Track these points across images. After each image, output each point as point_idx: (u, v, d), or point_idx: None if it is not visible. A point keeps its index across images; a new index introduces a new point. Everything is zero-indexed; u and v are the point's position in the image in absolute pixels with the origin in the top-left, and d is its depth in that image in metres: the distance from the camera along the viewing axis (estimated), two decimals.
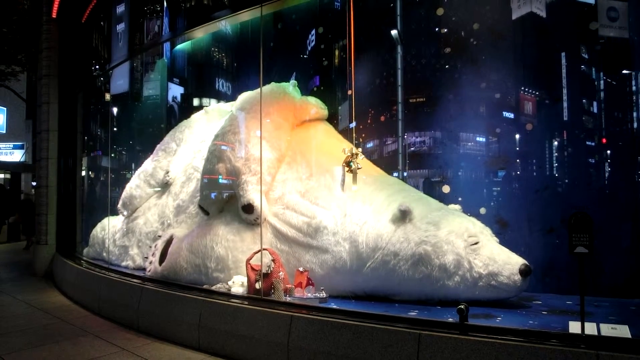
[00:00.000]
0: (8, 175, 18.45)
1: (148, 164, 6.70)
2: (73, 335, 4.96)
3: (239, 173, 4.92)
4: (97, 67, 8.64)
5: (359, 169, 4.54)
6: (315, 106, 5.56)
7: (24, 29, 16.35)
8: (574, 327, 2.93)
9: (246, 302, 4.24)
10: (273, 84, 5.50)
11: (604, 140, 6.20)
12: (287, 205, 4.76)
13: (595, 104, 6.48)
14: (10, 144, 25.07)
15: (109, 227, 7.07)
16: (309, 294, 4.18)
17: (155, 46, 7.94)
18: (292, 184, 4.89)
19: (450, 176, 6.91)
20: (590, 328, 2.86)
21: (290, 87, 5.52)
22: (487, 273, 3.68)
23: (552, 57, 6.33)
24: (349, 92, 5.49)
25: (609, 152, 6.06)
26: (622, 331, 2.82)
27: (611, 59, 5.91)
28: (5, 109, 24.49)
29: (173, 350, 4.43)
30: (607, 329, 2.85)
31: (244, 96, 5.68)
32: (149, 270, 5.52)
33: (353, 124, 5.39)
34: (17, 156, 24.58)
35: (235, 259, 4.75)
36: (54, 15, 8.99)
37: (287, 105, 5.35)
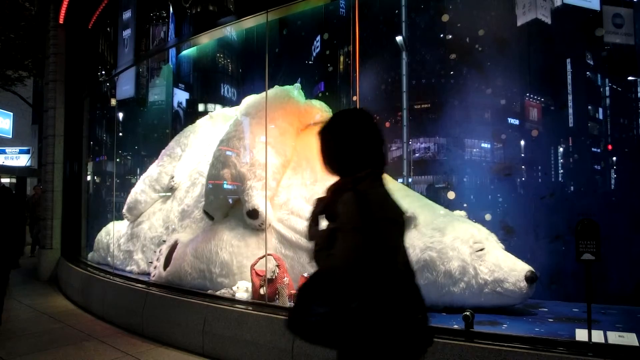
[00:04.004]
0: (14, 180, 18.55)
1: (153, 169, 6.72)
2: (77, 339, 4.96)
3: (244, 178, 4.92)
4: (103, 72, 8.69)
5: None
6: (319, 110, 5.55)
7: (31, 35, 16.46)
8: (581, 334, 2.90)
9: (251, 308, 4.23)
10: (277, 88, 5.50)
11: (610, 147, 6.18)
12: (292, 210, 4.75)
13: (600, 110, 6.46)
14: (17, 149, 25.25)
15: (114, 232, 7.08)
16: None
17: (161, 52, 7.98)
18: (297, 189, 4.89)
19: (456, 182, 6.90)
20: (598, 336, 2.84)
21: (295, 91, 5.52)
22: (493, 280, 3.66)
23: (557, 64, 6.32)
24: (354, 98, 5.49)
25: (614, 158, 6.03)
26: (630, 339, 2.80)
27: (617, 65, 5.89)
28: (11, 114, 24.66)
29: (177, 355, 4.42)
30: (615, 337, 2.83)
31: (249, 100, 5.69)
32: (154, 275, 5.53)
33: None
34: (23, 161, 24.75)
35: (240, 264, 4.75)
36: (61, 20, 9.06)
37: (291, 109, 5.35)
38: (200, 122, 6.86)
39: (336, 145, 1.66)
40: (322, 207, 1.64)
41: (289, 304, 4.17)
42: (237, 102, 6.39)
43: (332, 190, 1.62)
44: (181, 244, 5.42)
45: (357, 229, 1.48)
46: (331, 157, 1.68)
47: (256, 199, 4.76)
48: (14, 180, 18.65)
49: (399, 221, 1.64)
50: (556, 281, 4.65)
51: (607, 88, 6.40)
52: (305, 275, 4.32)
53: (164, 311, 4.88)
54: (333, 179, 1.68)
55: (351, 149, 1.63)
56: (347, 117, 1.70)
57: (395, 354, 1.52)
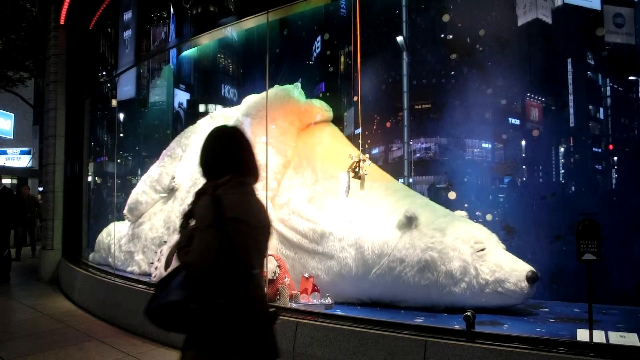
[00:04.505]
0: (15, 181, 18.57)
1: (154, 170, 6.72)
2: (78, 340, 4.96)
3: None
4: (104, 73, 8.69)
5: (365, 174, 4.53)
6: (320, 110, 5.54)
7: (32, 36, 16.46)
8: (582, 334, 2.90)
9: None
10: (277, 87, 5.50)
11: (611, 147, 6.18)
12: (293, 211, 4.75)
13: (601, 110, 6.45)
14: (18, 150, 25.23)
15: (115, 233, 7.08)
16: (315, 300, 4.17)
17: (162, 52, 7.99)
18: (298, 189, 4.89)
19: (456, 182, 6.89)
20: (599, 336, 2.84)
21: (296, 90, 5.52)
22: (494, 280, 3.66)
23: (558, 63, 6.32)
24: (355, 98, 5.49)
25: (615, 158, 6.03)
26: (631, 339, 2.79)
27: (618, 65, 5.89)
28: (12, 114, 24.65)
29: (177, 355, 4.42)
30: (616, 337, 2.83)
31: (249, 100, 5.69)
32: (155, 276, 5.52)
33: (359, 130, 5.40)
34: (24, 161, 24.73)
35: None
36: (62, 21, 9.06)
37: (292, 109, 5.35)
38: (200, 123, 6.86)
39: (204, 154, 1.91)
40: (189, 209, 1.82)
41: (290, 304, 4.17)
42: (237, 103, 6.40)
43: (197, 194, 1.82)
44: None
45: (210, 226, 1.68)
46: (201, 165, 1.92)
47: None
48: (15, 181, 18.68)
49: (254, 224, 1.80)
50: (557, 281, 4.65)
51: (608, 88, 6.39)
52: (306, 276, 4.32)
53: None
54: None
55: (213, 158, 1.89)
56: (214, 133, 1.95)
57: (237, 341, 1.72)
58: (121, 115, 8.69)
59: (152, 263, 5.78)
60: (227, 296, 1.70)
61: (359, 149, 5.01)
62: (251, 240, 1.79)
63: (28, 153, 25.18)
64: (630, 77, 5.90)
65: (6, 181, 17.17)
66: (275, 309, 1.91)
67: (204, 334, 1.72)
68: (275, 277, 4.29)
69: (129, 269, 6.40)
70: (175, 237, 5.60)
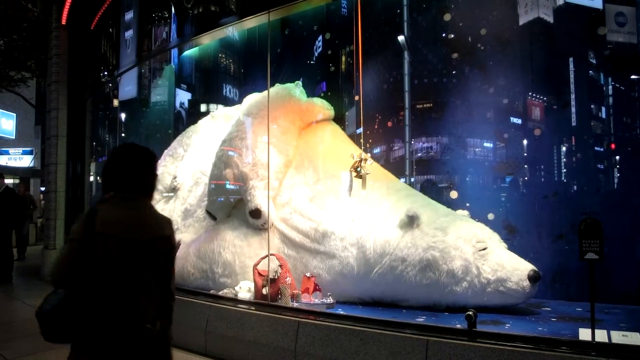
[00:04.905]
0: (17, 180, 18.60)
1: None
2: None
3: (246, 178, 4.92)
4: (105, 73, 8.70)
5: (367, 174, 4.53)
6: (321, 108, 5.51)
7: (33, 36, 16.49)
8: (584, 334, 2.89)
9: (253, 308, 4.23)
10: (278, 86, 5.49)
11: (613, 146, 6.17)
12: (295, 210, 4.75)
13: (603, 109, 6.45)
14: (20, 150, 25.24)
15: None
16: (316, 300, 4.17)
17: (163, 52, 8.00)
18: (300, 188, 4.89)
19: (458, 182, 6.88)
20: (601, 335, 2.83)
21: (297, 90, 5.50)
22: (496, 279, 3.66)
23: (560, 62, 6.31)
24: (356, 98, 5.49)
25: (617, 157, 6.02)
26: (634, 338, 2.79)
27: (619, 64, 5.88)
28: (14, 114, 24.68)
29: (179, 355, 4.42)
30: (618, 336, 2.82)
31: (250, 100, 5.68)
32: None
33: (360, 130, 5.39)
34: (26, 161, 24.75)
35: (243, 264, 4.75)
36: (63, 22, 9.07)
37: (293, 108, 5.33)
38: (202, 122, 6.85)
39: (101, 171, 1.92)
40: None
41: (291, 303, 4.17)
42: (239, 102, 6.40)
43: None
44: (184, 244, 5.42)
45: (72, 240, 1.76)
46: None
47: (259, 198, 4.76)
48: (17, 181, 18.71)
49: (127, 239, 1.81)
50: (559, 280, 4.64)
51: (610, 87, 6.39)
52: (308, 275, 4.32)
53: None
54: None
55: (104, 174, 1.91)
56: (111, 151, 1.99)
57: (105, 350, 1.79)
58: (123, 115, 8.70)
59: None
60: (87, 305, 1.74)
61: (360, 148, 5.00)
62: (121, 255, 1.79)
63: (30, 153, 25.20)
64: (632, 76, 5.90)
65: (8, 181, 17.21)
66: (159, 324, 2.00)
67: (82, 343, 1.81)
68: (277, 277, 4.29)
69: None
70: (177, 237, 5.61)
